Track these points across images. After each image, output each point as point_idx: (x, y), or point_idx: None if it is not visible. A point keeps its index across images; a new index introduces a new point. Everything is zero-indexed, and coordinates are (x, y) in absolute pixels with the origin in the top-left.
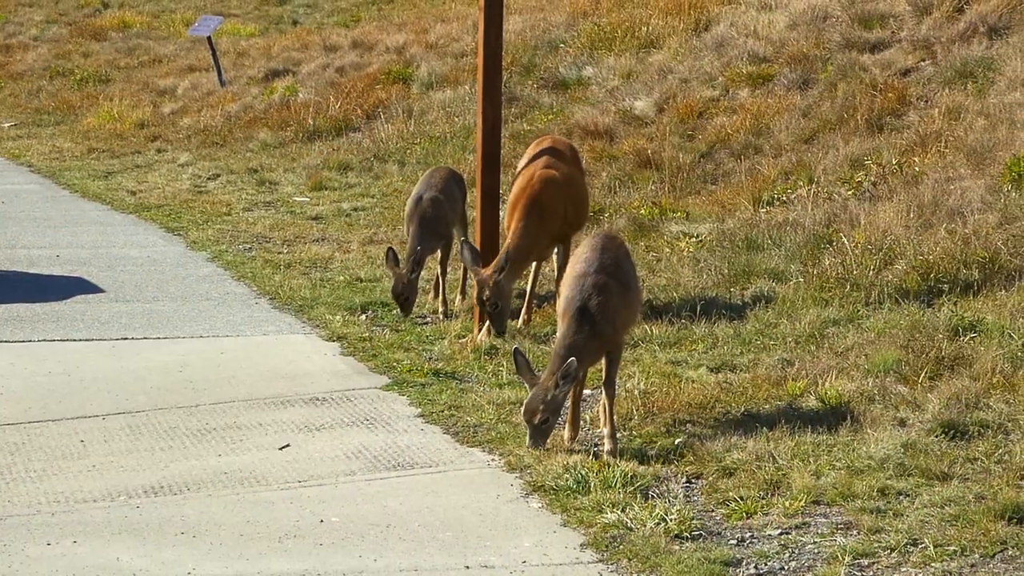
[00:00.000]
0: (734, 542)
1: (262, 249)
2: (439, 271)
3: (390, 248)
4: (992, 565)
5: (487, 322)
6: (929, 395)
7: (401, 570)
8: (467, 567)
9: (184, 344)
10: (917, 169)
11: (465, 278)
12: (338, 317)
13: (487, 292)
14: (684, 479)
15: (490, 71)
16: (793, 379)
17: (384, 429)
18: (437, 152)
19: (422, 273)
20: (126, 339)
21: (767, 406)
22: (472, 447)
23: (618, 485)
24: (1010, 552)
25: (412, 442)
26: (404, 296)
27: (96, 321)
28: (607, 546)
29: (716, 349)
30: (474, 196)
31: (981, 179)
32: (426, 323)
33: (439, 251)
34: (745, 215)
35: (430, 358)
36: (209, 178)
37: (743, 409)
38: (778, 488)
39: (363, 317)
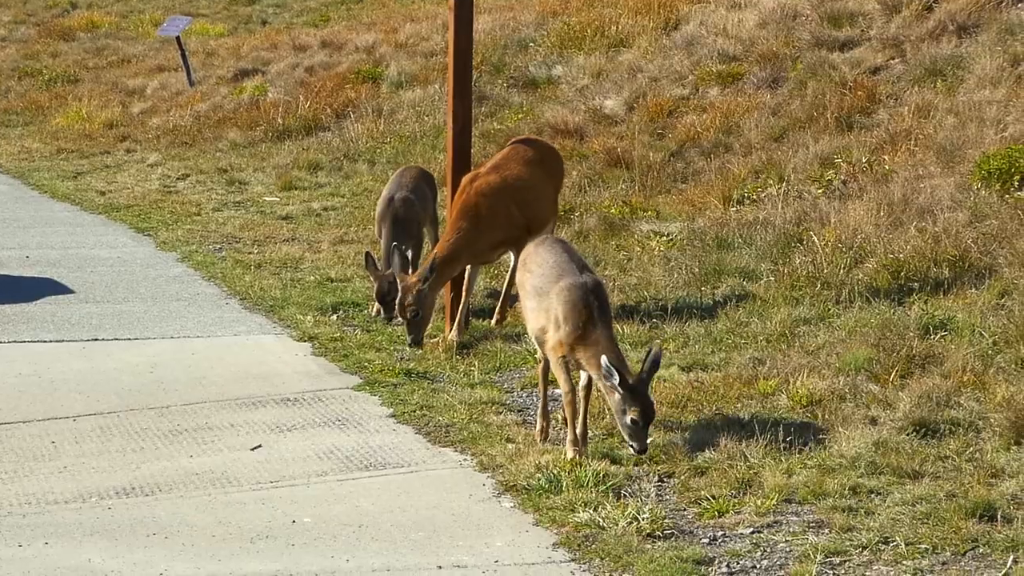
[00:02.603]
0: (706, 541)
1: (232, 249)
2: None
3: (368, 253)
4: (963, 563)
5: (456, 321)
6: (900, 393)
7: (374, 570)
8: (440, 567)
9: (155, 345)
10: (887, 167)
11: None
12: (309, 317)
13: (409, 299)
14: (656, 478)
15: (460, 70)
16: (764, 378)
17: (356, 429)
18: (407, 151)
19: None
20: (96, 340)
21: (739, 405)
22: (444, 447)
23: (590, 484)
24: (981, 550)
25: (384, 442)
26: (391, 297)
27: (66, 322)
28: (579, 545)
29: (687, 348)
30: (445, 195)
31: (951, 177)
32: (397, 323)
33: (410, 252)
34: (715, 214)
35: (401, 358)
36: (178, 178)
37: (715, 408)
38: (750, 487)
39: (334, 317)
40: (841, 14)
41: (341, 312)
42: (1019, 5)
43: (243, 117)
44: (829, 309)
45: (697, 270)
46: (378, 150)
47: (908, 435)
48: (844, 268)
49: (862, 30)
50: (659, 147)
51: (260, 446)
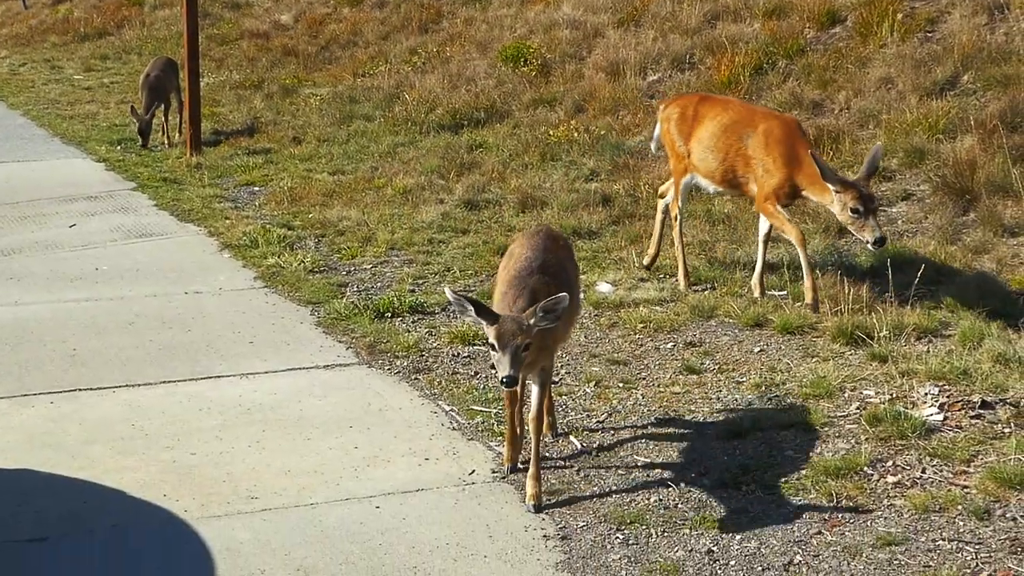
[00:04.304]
0: (345, 273)
1: (55, 108)
2: (164, 119)
3: (132, 105)
4: (489, 280)
5: (194, 146)
6: (456, 185)
7: (146, 295)
8: (186, 292)
9: (8, 166)
10: (448, 54)
11: (181, 124)
12: (103, 148)
13: None
14: (315, 238)
15: None
16: (379, 178)
17: (133, 213)
18: (160, 47)
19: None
20: None
21: (363, 194)
22: (188, 223)
23: (275, 242)
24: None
25: (151, 221)
26: (144, 133)
27: None
28: (270, 278)
29: (333, 162)
30: (184, 73)
31: (485, 60)
32: (157, 150)
33: (163, 107)
34: (349, 83)
35: (160, 171)
36: (20, 66)
37: (349, 196)
38: (370, 241)
39: (119, 148)
40: None
41: (122, 144)
42: None
43: (59, 27)
44: (415, 137)
45: (338, 115)
46: (143, 47)
47: (461, 209)
48: (424, 113)
49: None
50: (314, 44)
51: (75, 224)
